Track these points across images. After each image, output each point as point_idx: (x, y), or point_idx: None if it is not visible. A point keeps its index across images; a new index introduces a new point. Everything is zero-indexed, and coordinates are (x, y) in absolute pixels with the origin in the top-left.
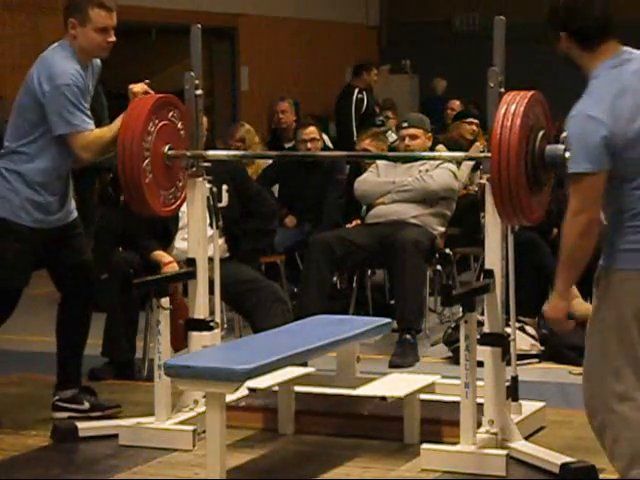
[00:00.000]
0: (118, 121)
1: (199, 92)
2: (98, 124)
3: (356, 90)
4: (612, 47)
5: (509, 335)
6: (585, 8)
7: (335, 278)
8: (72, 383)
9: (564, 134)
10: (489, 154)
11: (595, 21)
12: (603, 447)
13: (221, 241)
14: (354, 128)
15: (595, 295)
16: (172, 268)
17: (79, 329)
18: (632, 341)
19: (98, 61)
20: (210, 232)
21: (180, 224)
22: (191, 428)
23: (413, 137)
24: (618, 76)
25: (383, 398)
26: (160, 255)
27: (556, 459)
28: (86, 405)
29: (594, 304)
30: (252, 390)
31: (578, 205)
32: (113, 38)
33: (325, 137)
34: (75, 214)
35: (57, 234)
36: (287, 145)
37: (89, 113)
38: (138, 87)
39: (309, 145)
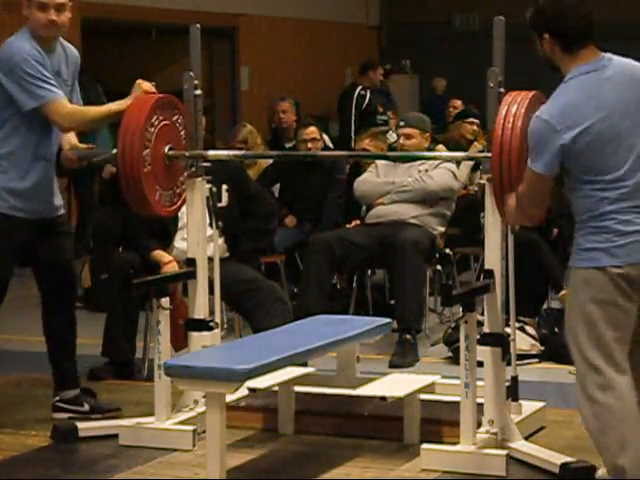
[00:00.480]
0: (112, 105)
1: (198, 92)
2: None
3: (359, 87)
4: (591, 52)
5: (509, 335)
6: (571, 11)
7: (335, 278)
8: (71, 384)
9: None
10: (489, 154)
11: (580, 23)
12: (593, 440)
13: (220, 241)
14: (353, 124)
15: (567, 291)
16: (172, 267)
17: (68, 329)
18: (602, 334)
19: (75, 51)
20: (210, 232)
21: (180, 224)
22: (191, 428)
23: (408, 137)
24: (589, 82)
25: (383, 398)
26: (160, 255)
27: (556, 459)
28: (86, 407)
29: (567, 302)
30: (252, 390)
31: (524, 192)
32: (53, 17)
33: (325, 137)
34: (62, 212)
35: (40, 227)
36: (288, 145)
37: (55, 83)
38: (147, 85)
39: (310, 145)
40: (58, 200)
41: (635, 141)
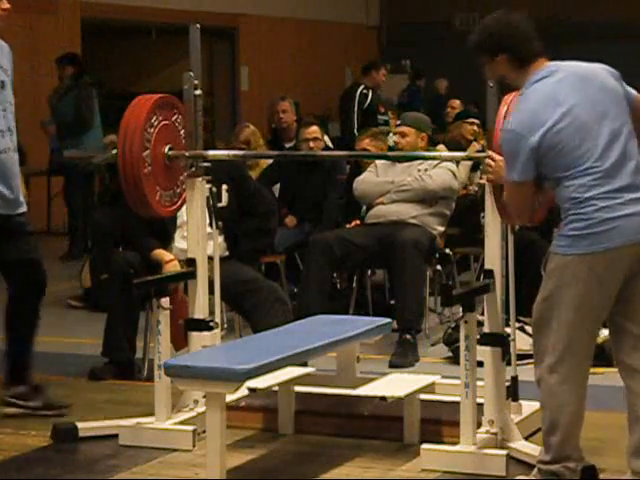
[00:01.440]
0: None
1: (198, 92)
2: (84, 126)
3: (361, 87)
4: (540, 64)
5: (509, 335)
6: (521, 29)
7: (335, 278)
8: (22, 379)
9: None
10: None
11: (530, 38)
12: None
13: (220, 239)
14: (355, 122)
15: (544, 277)
16: (174, 266)
17: (30, 327)
18: (568, 321)
19: (5, 45)
20: (209, 232)
21: (178, 222)
22: (191, 428)
23: (402, 135)
24: (543, 87)
25: (383, 398)
26: (161, 253)
27: None
28: (36, 403)
29: (542, 285)
30: (252, 390)
31: (509, 203)
32: (7, 5)
33: (325, 137)
34: (24, 209)
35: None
36: (287, 145)
37: None
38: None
39: (312, 144)
40: (13, 194)
41: (602, 128)
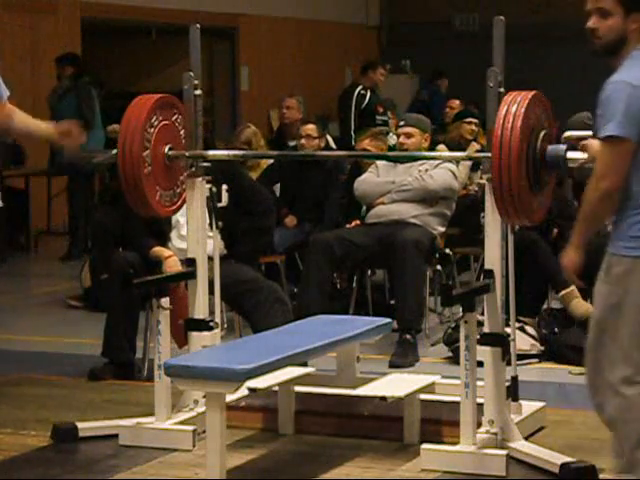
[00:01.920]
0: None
1: (198, 92)
2: (86, 127)
3: (359, 87)
4: None
5: (509, 335)
6: None
7: (335, 278)
8: None
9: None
10: (489, 154)
11: None
12: (616, 436)
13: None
14: (353, 122)
15: (604, 281)
16: (174, 261)
17: None
18: None
19: None
20: (209, 232)
21: (172, 221)
22: (191, 428)
23: (408, 136)
24: None
25: (383, 398)
26: (160, 250)
27: (556, 459)
28: None
29: (604, 290)
30: (252, 390)
31: (602, 170)
32: None
33: (328, 137)
34: None
35: None
36: (291, 143)
37: None
38: None
39: (303, 141)
40: None
41: None
